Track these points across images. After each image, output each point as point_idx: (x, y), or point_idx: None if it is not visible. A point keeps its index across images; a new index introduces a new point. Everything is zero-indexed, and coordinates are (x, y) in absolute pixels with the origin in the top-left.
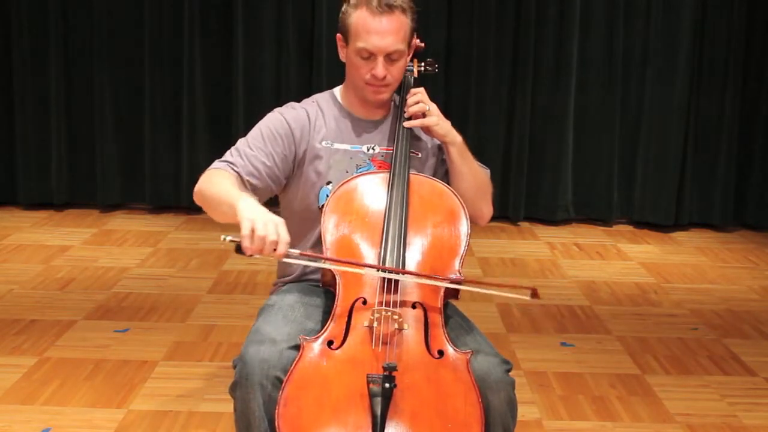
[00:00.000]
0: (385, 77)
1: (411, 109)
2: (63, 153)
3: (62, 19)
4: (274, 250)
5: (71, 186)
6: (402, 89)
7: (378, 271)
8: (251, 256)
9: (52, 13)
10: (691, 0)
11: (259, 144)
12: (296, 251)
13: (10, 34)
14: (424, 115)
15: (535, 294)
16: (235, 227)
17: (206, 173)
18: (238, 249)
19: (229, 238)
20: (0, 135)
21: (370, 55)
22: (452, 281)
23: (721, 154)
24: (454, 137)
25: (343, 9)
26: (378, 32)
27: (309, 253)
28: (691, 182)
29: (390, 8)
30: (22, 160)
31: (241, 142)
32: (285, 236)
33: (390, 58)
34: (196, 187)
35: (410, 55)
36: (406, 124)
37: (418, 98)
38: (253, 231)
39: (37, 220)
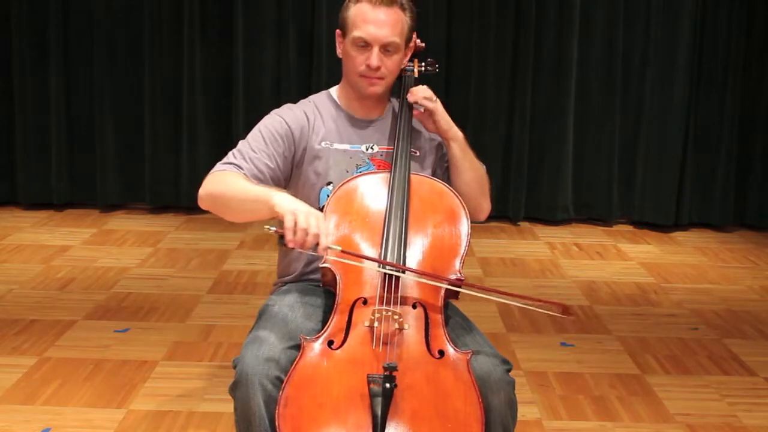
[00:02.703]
0: (379, 68)
1: (419, 97)
2: (63, 153)
3: (62, 19)
4: (317, 244)
5: (71, 186)
6: (402, 90)
7: (401, 272)
8: (293, 249)
9: (52, 13)
10: (691, 0)
11: (261, 146)
12: (338, 248)
13: (10, 34)
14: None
15: (566, 311)
16: (237, 227)
17: (212, 176)
18: (281, 240)
19: (273, 229)
20: (0, 135)
21: (366, 44)
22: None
23: (721, 154)
24: (456, 132)
25: (344, 5)
26: (375, 22)
27: (351, 252)
28: (691, 182)
29: (390, 2)
30: (22, 160)
31: (242, 145)
32: (326, 229)
33: (385, 49)
34: (203, 191)
35: (409, 57)
36: (410, 97)
37: (425, 93)
38: (296, 223)
39: (37, 220)
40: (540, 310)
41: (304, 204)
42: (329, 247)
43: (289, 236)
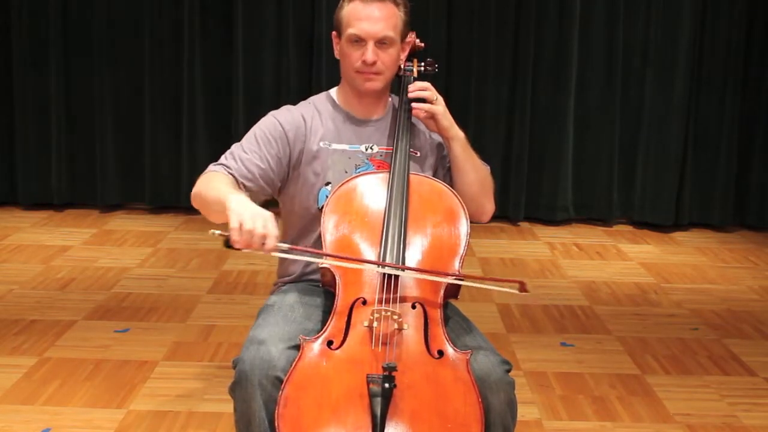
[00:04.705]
0: (375, 63)
1: (420, 94)
2: (63, 153)
3: (62, 19)
4: (263, 244)
5: (71, 186)
6: (401, 90)
7: (379, 267)
8: (240, 249)
9: (52, 13)
10: (691, 0)
11: (253, 147)
12: (286, 245)
13: (10, 34)
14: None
15: (523, 288)
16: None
17: (202, 177)
18: (227, 243)
19: (217, 232)
20: (0, 135)
21: (360, 40)
22: (446, 275)
23: (721, 154)
24: (457, 132)
25: (338, 6)
26: (368, 18)
27: (299, 247)
28: (691, 182)
29: None
30: (22, 160)
31: (235, 146)
32: (273, 230)
33: (381, 43)
34: (193, 191)
35: (406, 52)
36: (415, 107)
37: (428, 89)
38: (241, 224)
39: (37, 220)
40: (498, 288)
41: (255, 206)
42: (276, 247)
43: (234, 236)
